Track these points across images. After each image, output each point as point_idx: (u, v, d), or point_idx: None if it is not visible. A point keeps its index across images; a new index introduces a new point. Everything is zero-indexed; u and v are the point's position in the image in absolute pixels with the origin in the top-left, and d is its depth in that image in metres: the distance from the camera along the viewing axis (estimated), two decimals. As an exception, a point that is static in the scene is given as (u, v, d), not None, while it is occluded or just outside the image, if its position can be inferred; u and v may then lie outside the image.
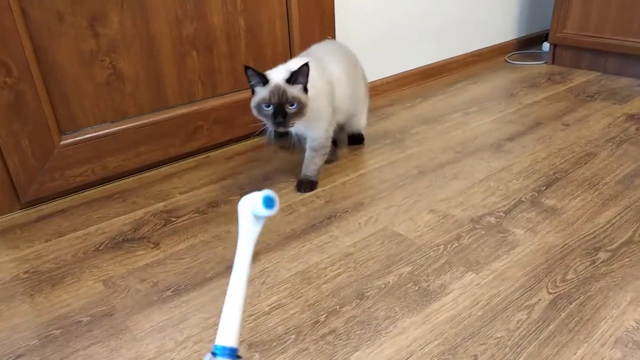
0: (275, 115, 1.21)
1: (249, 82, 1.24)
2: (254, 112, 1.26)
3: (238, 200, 0.71)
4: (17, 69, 1.26)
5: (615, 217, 1.23)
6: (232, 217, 1.30)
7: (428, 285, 1.03)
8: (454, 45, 2.36)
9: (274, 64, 1.36)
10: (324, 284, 1.05)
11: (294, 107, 1.22)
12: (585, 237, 1.16)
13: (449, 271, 1.07)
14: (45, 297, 1.05)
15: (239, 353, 0.66)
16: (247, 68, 1.21)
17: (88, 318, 0.99)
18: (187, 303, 1.01)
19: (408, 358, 0.86)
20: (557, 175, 1.43)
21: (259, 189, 0.68)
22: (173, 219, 1.31)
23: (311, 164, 1.42)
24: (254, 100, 1.25)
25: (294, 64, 1.30)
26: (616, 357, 0.85)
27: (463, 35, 2.38)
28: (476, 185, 1.40)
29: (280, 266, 1.11)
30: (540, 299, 0.98)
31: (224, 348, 0.64)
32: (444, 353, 0.87)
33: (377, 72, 2.11)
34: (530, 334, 0.90)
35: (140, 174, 1.57)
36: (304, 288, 1.04)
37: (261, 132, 1.34)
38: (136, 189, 1.48)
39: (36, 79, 1.30)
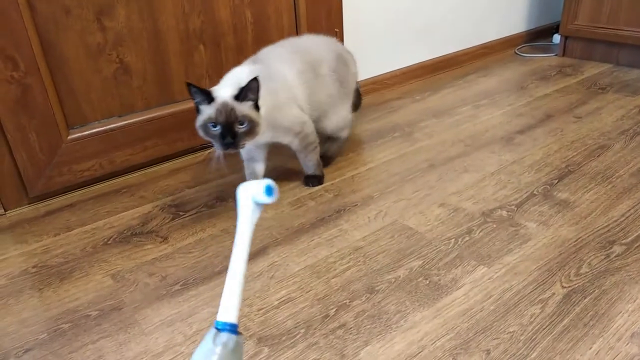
0: (223, 135, 1.09)
1: (193, 99, 1.12)
2: (200, 132, 1.14)
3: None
4: (24, 63, 1.26)
5: (629, 210, 1.20)
6: (240, 211, 1.29)
7: (439, 280, 1.01)
8: (464, 37, 2.33)
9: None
10: (333, 278, 1.04)
11: (244, 126, 1.10)
12: (599, 230, 1.14)
13: (460, 265, 1.05)
14: (54, 291, 1.05)
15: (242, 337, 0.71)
16: (189, 85, 1.09)
17: (97, 312, 0.99)
18: (196, 297, 1.01)
19: (419, 352, 0.85)
20: (569, 168, 1.41)
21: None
22: (181, 213, 1.31)
23: (308, 162, 1.38)
24: (200, 120, 1.12)
25: (241, 74, 1.19)
26: (632, 352, 0.83)
27: (472, 28, 2.35)
28: (487, 179, 1.38)
29: (289, 260, 1.10)
30: (554, 293, 0.96)
31: (225, 324, 0.69)
32: (456, 347, 0.86)
33: (385, 64, 2.09)
34: (544, 329, 0.88)
35: (148, 168, 1.56)
36: (313, 282, 1.03)
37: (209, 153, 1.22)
38: (144, 183, 1.48)
39: (43, 73, 1.29)
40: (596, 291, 0.96)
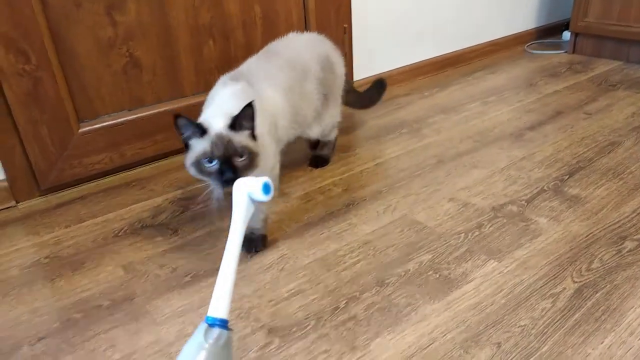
0: (222, 171, 0.95)
1: (181, 134, 0.97)
2: (192, 171, 0.99)
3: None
4: (35, 57, 1.27)
5: (641, 206, 1.20)
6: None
7: (449, 273, 1.01)
8: (472, 34, 2.32)
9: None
10: (343, 270, 1.04)
11: (244, 158, 0.96)
12: (610, 226, 1.13)
13: (470, 259, 1.05)
14: (66, 282, 1.06)
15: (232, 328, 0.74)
16: (177, 117, 0.93)
17: (108, 302, 0.99)
18: (207, 289, 1.01)
19: (430, 344, 0.85)
20: (580, 164, 1.40)
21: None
22: (191, 206, 1.31)
23: (258, 213, 1.11)
24: (191, 157, 0.97)
25: (226, 98, 1.08)
26: (645, 347, 0.82)
27: (481, 25, 2.34)
28: (496, 174, 1.37)
29: (299, 253, 1.10)
30: (565, 288, 0.96)
31: (214, 319, 0.70)
32: (467, 340, 0.85)
33: (393, 61, 2.08)
34: (555, 323, 0.88)
35: (158, 162, 1.57)
36: (323, 275, 1.03)
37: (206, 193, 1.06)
38: (154, 176, 1.49)
39: (54, 66, 1.30)
40: (608, 286, 0.95)
